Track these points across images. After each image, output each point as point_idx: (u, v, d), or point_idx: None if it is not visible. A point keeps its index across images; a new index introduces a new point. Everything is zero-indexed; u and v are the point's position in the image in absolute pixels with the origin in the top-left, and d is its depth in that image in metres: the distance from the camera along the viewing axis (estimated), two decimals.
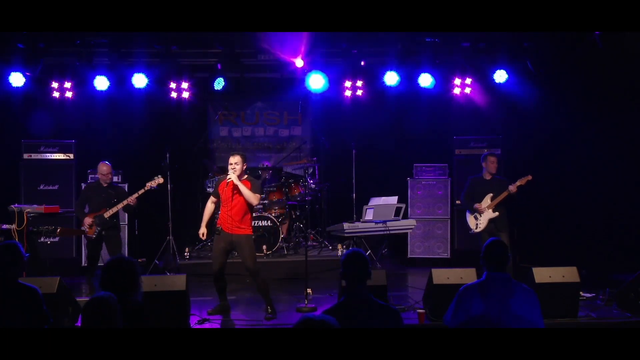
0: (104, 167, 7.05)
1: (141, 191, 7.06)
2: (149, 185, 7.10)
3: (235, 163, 6.11)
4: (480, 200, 7.27)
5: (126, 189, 8.47)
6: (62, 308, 5.38)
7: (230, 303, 6.54)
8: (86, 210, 7.08)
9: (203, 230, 6.39)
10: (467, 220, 7.44)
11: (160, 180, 7.18)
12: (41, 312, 3.96)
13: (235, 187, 6.10)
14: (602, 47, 7.46)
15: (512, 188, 7.07)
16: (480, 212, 7.21)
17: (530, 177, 7.08)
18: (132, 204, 6.97)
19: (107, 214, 6.86)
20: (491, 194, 7.22)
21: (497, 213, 7.18)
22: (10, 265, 3.99)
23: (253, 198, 6.16)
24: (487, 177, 7.33)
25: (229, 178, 6.09)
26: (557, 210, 8.69)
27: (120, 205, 6.92)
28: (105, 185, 7.03)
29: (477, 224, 7.27)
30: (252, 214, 6.38)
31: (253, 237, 6.46)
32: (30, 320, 3.87)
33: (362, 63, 8.76)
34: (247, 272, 6.31)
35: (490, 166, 7.29)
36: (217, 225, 6.31)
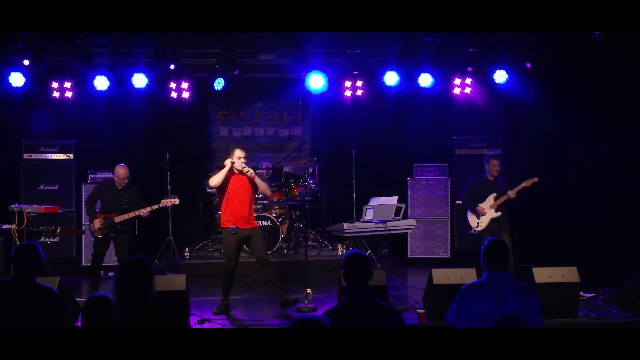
0: (120, 170, 6.98)
1: (155, 207, 6.99)
2: (164, 202, 7.07)
3: (244, 157, 6.24)
4: (483, 200, 7.27)
5: None
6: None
7: (230, 303, 6.53)
8: (97, 207, 7.06)
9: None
10: (468, 219, 7.45)
11: (176, 201, 7.17)
12: (57, 313, 3.99)
13: (251, 180, 6.20)
14: (602, 47, 7.46)
15: (512, 194, 7.10)
16: (482, 214, 7.22)
17: (536, 179, 7.08)
18: (143, 216, 6.94)
19: (117, 219, 6.83)
20: (494, 194, 7.23)
21: (499, 213, 7.20)
22: (29, 265, 4.02)
23: (268, 189, 6.46)
24: (490, 177, 7.34)
25: (248, 171, 6.15)
26: (557, 210, 8.69)
27: (131, 214, 6.86)
28: (119, 187, 6.99)
29: (478, 223, 7.29)
30: None
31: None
32: (46, 321, 3.89)
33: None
34: (261, 264, 6.35)
35: (492, 169, 7.31)
36: (230, 225, 6.25)
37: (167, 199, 7.17)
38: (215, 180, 6.29)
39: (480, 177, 7.46)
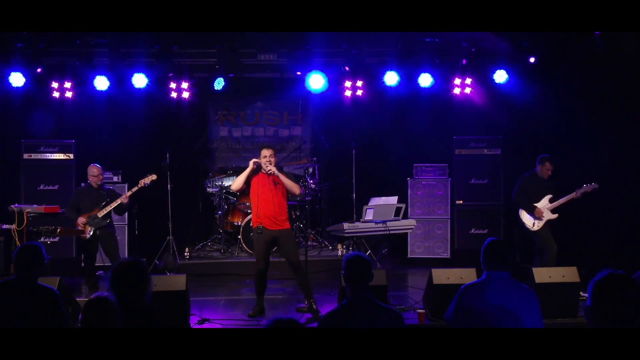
0: (94, 169, 7.08)
1: (135, 189, 7.07)
2: (142, 182, 7.10)
3: (269, 156, 6.14)
4: (537, 201, 7.28)
5: (126, 189, 8.48)
6: None
7: (230, 303, 6.53)
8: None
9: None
10: (521, 218, 7.38)
11: (153, 177, 7.19)
12: (59, 313, 3.99)
13: (276, 179, 6.12)
14: (602, 47, 7.47)
15: (578, 194, 7.15)
16: (541, 216, 7.22)
17: (596, 186, 7.12)
18: (125, 202, 6.97)
19: (100, 213, 6.86)
20: (550, 195, 7.25)
21: (556, 215, 7.24)
22: (31, 266, 4.02)
23: (295, 187, 6.24)
24: (542, 177, 7.35)
25: (270, 171, 6.08)
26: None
27: (114, 204, 6.92)
28: (96, 187, 7.04)
29: (534, 223, 7.29)
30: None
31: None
32: (48, 321, 3.90)
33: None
34: (291, 267, 6.26)
35: (545, 172, 7.31)
36: (256, 225, 6.22)
37: (143, 178, 7.14)
38: (235, 183, 6.30)
39: (531, 176, 7.42)
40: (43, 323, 3.85)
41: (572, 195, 7.21)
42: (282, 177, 6.14)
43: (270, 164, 6.12)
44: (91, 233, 6.85)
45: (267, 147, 6.29)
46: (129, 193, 7.03)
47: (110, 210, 6.95)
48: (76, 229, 6.91)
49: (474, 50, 8.65)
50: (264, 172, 6.18)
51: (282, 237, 6.21)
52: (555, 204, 7.25)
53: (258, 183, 6.21)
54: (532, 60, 8.48)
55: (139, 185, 7.09)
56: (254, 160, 6.20)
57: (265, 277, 6.32)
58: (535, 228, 7.29)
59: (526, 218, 7.37)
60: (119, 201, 6.94)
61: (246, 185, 6.30)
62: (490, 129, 9.28)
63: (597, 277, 2.59)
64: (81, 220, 6.83)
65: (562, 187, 8.33)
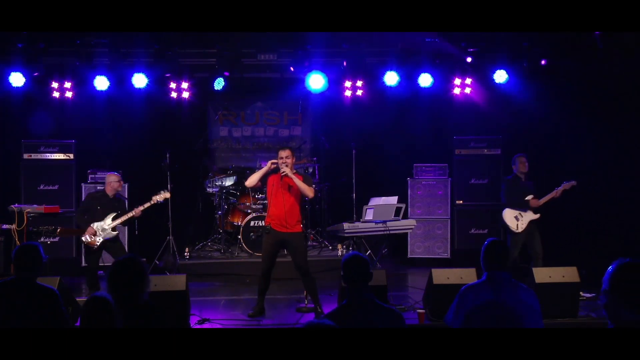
0: (114, 177, 7.01)
1: (147, 204, 6.98)
2: (155, 199, 7.05)
3: (285, 157, 6.09)
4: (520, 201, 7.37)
5: (126, 189, 8.49)
6: None
7: (230, 303, 6.52)
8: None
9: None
10: (505, 221, 7.41)
11: (167, 195, 7.15)
12: (59, 313, 3.99)
13: (289, 182, 6.08)
14: (602, 47, 7.47)
15: (558, 193, 7.22)
16: (537, 205, 7.26)
17: (575, 183, 7.21)
18: (136, 215, 6.94)
19: (111, 225, 6.81)
20: (531, 196, 7.30)
21: (538, 215, 7.28)
22: (30, 266, 4.03)
23: (309, 190, 6.16)
24: (522, 177, 7.42)
25: (283, 172, 6.02)
26: (557, 210, 8.69)
27: (124, 217, 6.85)
28: (111, 196, 6.98)
29: (517, 225, 7.32)
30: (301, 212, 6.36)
31: (304, 234, 6.44)
32: (48, 321, 3.90)
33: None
34: (298, 270, 6.22)
35: (521, 167, 7.39)
36: (266, 224, 6.21)
37: (156, 195, 7.12)
38: (249, 180, 6.29)
39: (513, 178, 7.50)
40: (43, 323, 3.85)
41: (553, 194, 7.27)
42: (296, 180, 6.07)
43: (286, 165, 6.06)
44: (99, 243, 6.81)
45: (284, 148, 6.27)
46: (142, 208, 6.93)
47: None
48: (78, 229, 6.88)
49: (474, 50, 8.65)
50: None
51: (291, 241, 6.16)
52: (540, 202, 7.28)
53: (273, 183, 6.18)
54: (543, 62, 8.48)
55: (152, 202, 7.03)
56: (272, 161, 6.18)
57: (269, 277, 6.28)
58: (519, 230, 7.31)
59: (511, 221, 7.38)
60: (131, 214, 6.88)
61: (262, 183, 6.29)
62: (490, 129, 9.29)
63: (616, 264, 2.61)
64: (91, 230, 6.77)
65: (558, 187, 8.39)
